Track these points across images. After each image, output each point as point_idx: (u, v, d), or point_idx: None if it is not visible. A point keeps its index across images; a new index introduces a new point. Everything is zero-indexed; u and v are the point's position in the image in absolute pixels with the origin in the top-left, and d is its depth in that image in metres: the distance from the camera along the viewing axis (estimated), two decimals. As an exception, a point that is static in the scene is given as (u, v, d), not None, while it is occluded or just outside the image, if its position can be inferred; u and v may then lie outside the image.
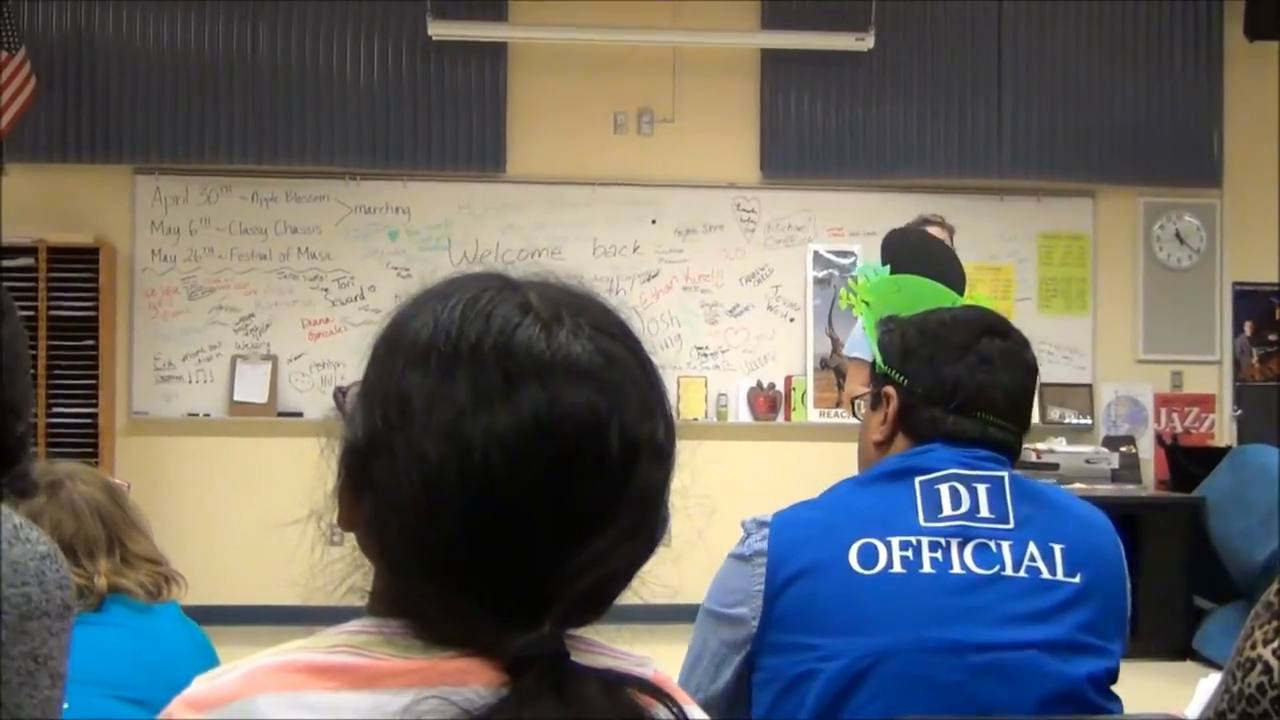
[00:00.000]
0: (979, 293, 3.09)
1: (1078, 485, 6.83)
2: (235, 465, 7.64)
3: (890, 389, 1.92)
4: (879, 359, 1.98)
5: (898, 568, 1.72)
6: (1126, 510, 6.43)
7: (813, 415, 7.90)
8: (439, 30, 7.60)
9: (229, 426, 7.71)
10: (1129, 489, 7.41)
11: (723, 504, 7.86)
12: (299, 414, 7.64)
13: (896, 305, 2.72)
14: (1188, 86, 8.19)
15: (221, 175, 7.76)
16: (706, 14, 7.90)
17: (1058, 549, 1.77)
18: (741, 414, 7.95)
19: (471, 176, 7.86)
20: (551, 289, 0.99)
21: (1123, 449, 7.82)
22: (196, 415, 7.71)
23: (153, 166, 7.72)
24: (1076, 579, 1.76)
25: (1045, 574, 1.75)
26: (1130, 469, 7.79)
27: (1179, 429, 8.25)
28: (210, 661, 2.13)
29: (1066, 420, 8.08)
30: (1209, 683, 1.84)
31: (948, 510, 1.76)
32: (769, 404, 7.93)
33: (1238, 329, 8.33)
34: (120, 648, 2.05)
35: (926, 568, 1.73)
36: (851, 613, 1.71)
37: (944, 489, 1.78)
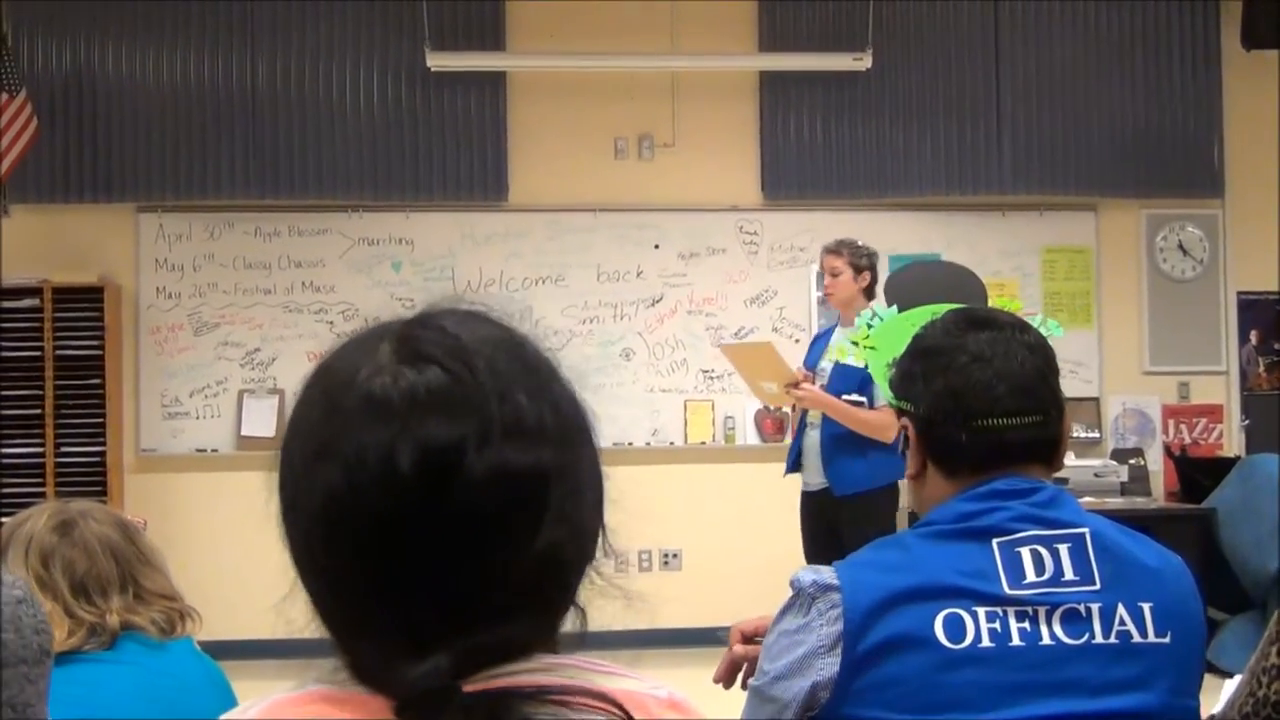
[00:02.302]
0: (1002, 298, 3.02)
1: (1087, 499, 6.81)
2: (244, 499, 7.56)
3: (905, 420, 1.87)
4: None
5: (986, 641, 1.66)
6: (1136, 523, 6.38)
7: (820, 435, 7.88)
8: (437, 61, 7.63)
9: (237, 461, 7.70)
10: (1138, 501, 7.39)
11: (733, 525, 7.81)
12: (307, 447, 7.62)
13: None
14: (1187, 97, 8.19)
15: (224, 211, 7.78)
16: (704, 38, 7.92)
17: (1146, 608, 1.72)
18: (749, 436, 7.94)
19: (473, 206, 7.87)
20: (413, 328, 1.03)
21: (1131, 461, 7.80)
22: (205, 451, 7.71)
23: (155, 204, 7.74)
24: (1167, 638, 1.71)
25: (1136, 637, 1.70)
26: (1139, 481, 7.76)
27: (1187, 440, 8.23)
28: (225, 696, 2.13)
29: (1074, 434, 8.06)
30: (1233, 684, 1.83)
31: (1031, 576, 1.70)
32: (776, 426, 7.92)
33: (1243, 338, 8.32)
34: (133, 685, 2.04)
35: (1015, 640, 1.67)
36: (942, 693, 1.65)
37: (1025, 552, 1.72)
